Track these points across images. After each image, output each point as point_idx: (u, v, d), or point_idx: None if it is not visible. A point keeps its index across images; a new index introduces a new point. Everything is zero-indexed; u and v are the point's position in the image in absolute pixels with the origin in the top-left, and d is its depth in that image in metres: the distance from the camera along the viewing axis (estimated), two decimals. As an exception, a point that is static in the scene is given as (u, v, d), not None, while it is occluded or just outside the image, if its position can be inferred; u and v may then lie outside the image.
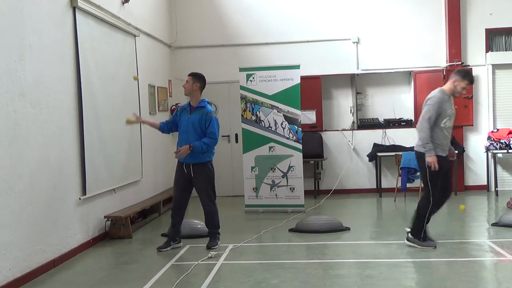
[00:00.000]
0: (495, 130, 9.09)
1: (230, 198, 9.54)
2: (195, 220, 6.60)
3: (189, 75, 5.86)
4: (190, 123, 5.71)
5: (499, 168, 9.32)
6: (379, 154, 9.26)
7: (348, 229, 6.53)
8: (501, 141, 8.85)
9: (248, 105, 8.07)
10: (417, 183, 8.68)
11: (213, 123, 5.70)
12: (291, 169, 7.99)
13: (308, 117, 9.33)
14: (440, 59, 9.53)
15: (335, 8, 9.66)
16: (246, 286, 4.53)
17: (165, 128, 5.99)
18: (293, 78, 7.93)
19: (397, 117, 9.63)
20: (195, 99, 5.79)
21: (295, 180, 8.00)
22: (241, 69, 8.20)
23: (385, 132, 9.56)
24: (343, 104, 9.92)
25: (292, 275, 4.78)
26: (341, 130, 9.71)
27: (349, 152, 9.66)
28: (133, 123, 5.80)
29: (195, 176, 5.77)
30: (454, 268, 4.84)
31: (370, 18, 9.62)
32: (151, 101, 8.55)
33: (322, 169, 9.65)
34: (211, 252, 5.52)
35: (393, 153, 8.96)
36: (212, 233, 5.90)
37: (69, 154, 5.71)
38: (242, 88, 8.11)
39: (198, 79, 5.81)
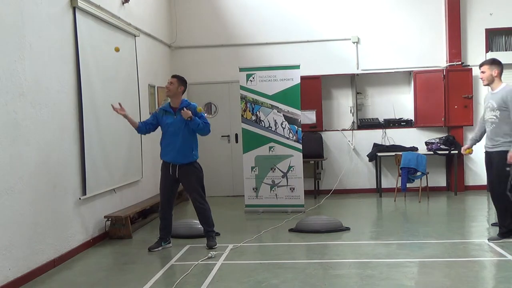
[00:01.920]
0: (495, 130, 9.08)
1: (230, 198, 9.53)
2: (195, 220, 6.59)
3: (174, 77, 5.83)
4: (178, 124, 5.68)
5: (499, 168, 9.31)
6: (379, 154, 9.26)
7: (348, 229, 6.53)
8: (501, 141, 8.84)
9: (248, 105, 8.07)
10: (417, 183, 8.69)
11: (204, 116, 5.80)
12: (291, 169, 7.99)
13: (308, 117, 9.32)
14: (440, 59, 9.52)
15: (335, 8, 9.65)
16: (246, 286, 4.53)
17: (143, 128, 5.88)
18: (293, 78, 7.92)
19: (397, 117, 9.64)
20: (177, 101, 5.78)
21: (295, 180, 7.99)
22: (241, 69, 8.20)
23: (385, 132, 9.56)
24: (343, 104, 9.92)
25: (292, 275, 4.78)
26: (341, 130, 9.71)
27: (349, 152, 9.66)
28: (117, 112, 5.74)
29: (182, 177, 5.76)
30: (454, 268, 4.83)
31: (370, 18, 9.62)
32: (151, 101, 8.55)
33: (322, 169, 9.64)
34: (211, 252, 5.51)
35: (393, 153, 8.96)
36: (209, 232, 5.89)
37: (69, 154, 5.71)
38: (242, 88, 8.11)
39: (183, 82, 5.84)
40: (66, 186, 5.62)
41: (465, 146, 5.99)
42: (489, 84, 5.61)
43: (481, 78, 5.65)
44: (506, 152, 5.34)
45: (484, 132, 5.75)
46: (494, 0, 9.35)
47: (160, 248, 5.84)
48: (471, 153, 5.76)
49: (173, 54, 9.92)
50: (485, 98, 5.76)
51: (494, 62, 5.58)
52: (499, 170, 5.47)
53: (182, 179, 5.79)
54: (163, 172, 5.86)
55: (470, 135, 5.72)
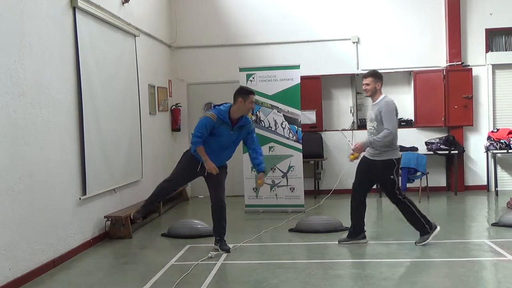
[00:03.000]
0: (495, 130, 9.10)
1: (230, 198, 9.46)
2: (195, 220, 6.59)
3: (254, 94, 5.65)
4: (233, 139, 5.54)
5: (499, 168, 9.32)
6: (379, 154, 9.25)
7: (348, 229, 6.51)
8: (501, 141, 8.85)
9: (248, 105, 8.05)
10: (417, 183, 8.70)
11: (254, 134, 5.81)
12: (291, 169, 7.99)
13: (308, 117, 9.32)
14: (440, 59, 9.52)
15: (335, 8, 9.66)
16: (246, 286, 4.53)
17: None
18: (293, 78, 7.92)
19: (397, 117, 9.61)
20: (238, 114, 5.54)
21: (295, 180, 8.00)
22: (241, 69, 8.20)
23: (385, 132, 9.54)
24: (343, 104, 9.91)
25: (292, 275, 4.78)
26: (341, 130, 9.70)
27: (349, 152, 9.62)
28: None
29: (213, 176, 5.53)
30: (454, 268, 4.84)
31: (369, 18, 9.62)
32: (151, 101, 8.56)
33: (322, 169, 9.64)
34: (211, 252, 5.50)
35: (393, 153, 8.95)
36: (224, 234, 5.73)
37: (69, 154, 5.71)
38: (242, 88, 8.10)
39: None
40: (66, 186, 5.62)
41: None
42: (371, 95, 5.72)
43: (365, 90, 5.72)
44: (389, 160, 5.55)
45: None
46: (494, 0, 9.36)
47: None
48: (357, 158, 5.80)
49: (173, 54, 9.91)
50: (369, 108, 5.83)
51: (377, 75, 5.70)
52: (384, 179, 5.67)
53: (214, 176, 5.53)
54: (189, 165, 5.57)
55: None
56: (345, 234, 6.08)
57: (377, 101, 5.66)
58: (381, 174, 5.64)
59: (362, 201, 5.89)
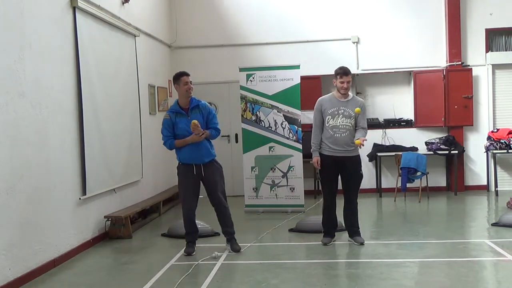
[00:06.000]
0: (495, 130, 9.09)
1: (230, 198, 9.37)
2: (195, 220, 6.57)
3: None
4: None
5: (499, 168, 9.31)
6: (379, 154, 9.26)
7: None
8: (501, 141, 8.85)
9: (248, 105, 8.07)
10: (417, 183, 8.70)
11: (215, 115, 5.68)
12: (291, 169, 7.99)
13: (308, 117, 9.30)
14: (440, 59, 9.52)
15: (335, 8, 9.65)
16: (246, 286, 4.54)
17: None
18: (293, 78, 7.92)
19: (397, 117, 9.64)
20: (186, 100, 5.55)
21: (295, 180, 7.99)
22: (241, 69, 8.20)
23: (385, 132, 9.56)
24: (343, 104, 9.90)
25: (292, 275, 4.78)
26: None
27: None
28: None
29: (208, 176, 5.53)
30: (454, 268, 4.84)
31: (369, 18, 9.62)
32: (151, 101, 8.56)
33: (322, 169, 9.62)
34: (216, 252, 5.47)
35: (393, 153, 8.96)
36: (232, 234, 5.69)
37: (69, 154, 5.71)
38: (242, 88, 8.11)
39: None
40: (66, 186, 5.62)
41: (315, 159, 5.93)
42: (346, 93, 5.74)
43: (345, 88, 5.67)
44: (359, 156, 5.79)
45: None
46: (494, 0, 9.36)
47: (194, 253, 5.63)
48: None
49: (173, 54, 9.91)
50: (328, 105, 5.73)
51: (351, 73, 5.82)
52: (357, 174, 5.83)
53: (207, 178, 5.54)
54: (185, 175, 5.50)
55: (314, 144, 5.82)
56: (343, 235, 6.07)
57: (349, 98, 5.76)
58: (355, 170, 5.78)
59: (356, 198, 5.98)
